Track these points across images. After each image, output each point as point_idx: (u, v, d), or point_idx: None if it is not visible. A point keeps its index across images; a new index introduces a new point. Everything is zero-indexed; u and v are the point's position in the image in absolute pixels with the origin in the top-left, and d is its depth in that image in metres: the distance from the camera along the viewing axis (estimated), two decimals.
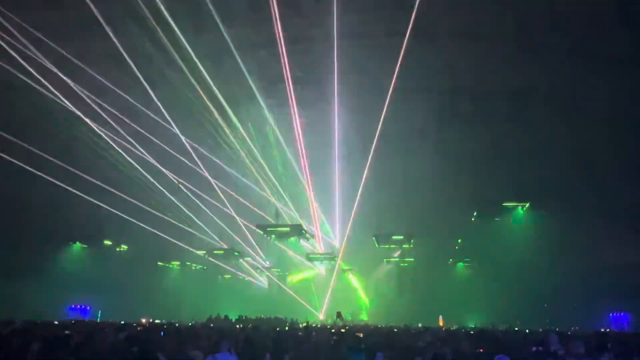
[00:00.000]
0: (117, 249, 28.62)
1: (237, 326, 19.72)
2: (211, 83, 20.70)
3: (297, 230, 28.78)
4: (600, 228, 24.37)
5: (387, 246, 32.57)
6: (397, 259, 36.49)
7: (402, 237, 30.44)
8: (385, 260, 36.64)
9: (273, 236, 29.61)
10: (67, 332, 10.74)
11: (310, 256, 36.64)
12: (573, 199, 24.38)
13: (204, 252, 32.71)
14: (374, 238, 31.33)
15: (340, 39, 17.72)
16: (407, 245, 31.25)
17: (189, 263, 35.20)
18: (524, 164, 23.58)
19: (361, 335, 13.01)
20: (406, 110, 21.90)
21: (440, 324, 33.58)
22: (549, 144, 22.56)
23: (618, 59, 16.96)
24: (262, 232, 29.42)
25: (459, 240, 31.25)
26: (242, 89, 20.76)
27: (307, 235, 29.45)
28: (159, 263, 33.70)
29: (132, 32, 17.23)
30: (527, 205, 24.00)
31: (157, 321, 24.61)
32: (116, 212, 25.09)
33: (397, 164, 25.81)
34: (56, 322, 17.36)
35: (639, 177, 21.35)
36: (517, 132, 21.57)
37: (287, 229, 29.01)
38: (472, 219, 25.82)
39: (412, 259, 35.46)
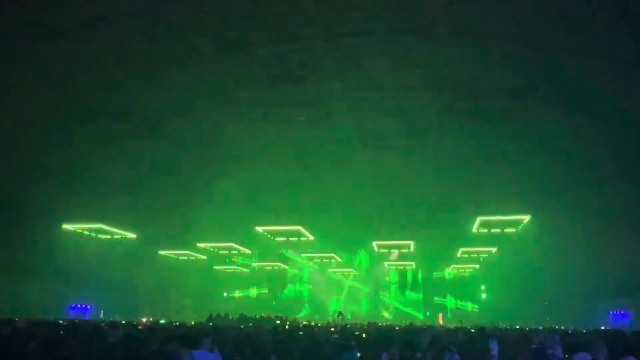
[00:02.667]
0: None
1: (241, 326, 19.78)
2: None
3: (297, 232, 28.91)
4: (601, 227, 24.36)
5: (386, 250, 32.62)
6: (397, 262, 36.46)
7: (402, 242, 30.53)
8: (385, 263, 36.62)
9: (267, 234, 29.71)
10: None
11: (309, 256, 36.64)
12: (574, 198, 24.36)
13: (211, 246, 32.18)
14: (373, 243, 31.36)
15: (339, 36, 17.68)
16: (407, 250, 31.29)
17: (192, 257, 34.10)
18: (524, 164, 23.54)
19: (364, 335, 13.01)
20: (406, 109, 21.91)
21: (440, 322, 33.62)
22: (549, 143, 22.53)
23: (620, 57, 16.92)
24: (264, 233, 29.50)
25: (460, 249, 31.29)
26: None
27: (307, 236, 29.55)
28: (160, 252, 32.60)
29: None
30: (529, 218, 24.10)
31: (162, 321, 24.56)
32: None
33: (397, 163, 25.78)
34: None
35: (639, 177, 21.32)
36: (517, 130, 21.55)
37: (286, 229, 29.09)
38: (475, 230, 25.97)
39: (413, 262, 35.44)
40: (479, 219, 24.46)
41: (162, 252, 32.20)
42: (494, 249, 30.18)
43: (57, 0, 15.21)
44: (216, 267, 37.40)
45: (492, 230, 26.02)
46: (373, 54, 18.62)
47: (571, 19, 15.73)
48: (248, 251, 34.47)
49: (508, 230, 25.91)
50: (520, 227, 25.14)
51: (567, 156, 22.91)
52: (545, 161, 23.17)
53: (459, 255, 32.22)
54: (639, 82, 17.14)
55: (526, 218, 24.01)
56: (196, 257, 33.35)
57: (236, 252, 33.99)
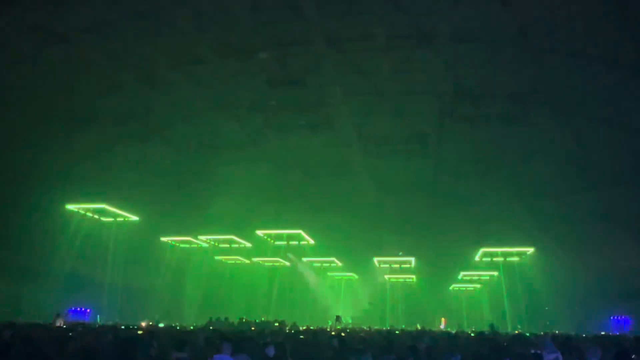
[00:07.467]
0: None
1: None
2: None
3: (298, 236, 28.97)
4: (601, 231, 24.33)
5: (388, 265, 32.59)
6: (397, 275, 36.17)
7: (403, 258, 30.59)
8: (385, 276, 36.38)
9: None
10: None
11: (310, 261, 36.47)
12: (574, 204, 24.35)
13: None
14: (374, 259, 31.32)
15: (340, 41, 17.77)
16: (407, 266, 31.37)
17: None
18: (523, 168, 23.55)
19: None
20: (408, 116, 21.96)
21: (442, 325, 33.40)
22: (549, 148, 22.55)
23: (620, 61, 17.00)
24: (265, 237, 29.53)
25: (460, 272, 31.37)
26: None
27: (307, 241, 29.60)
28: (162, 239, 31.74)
29: None
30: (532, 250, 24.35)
31: (160, 325, 24.47)
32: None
33: (398, 168, 25.78)
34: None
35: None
36: (517, 135, 21.59)
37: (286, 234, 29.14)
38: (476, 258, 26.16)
39: (413, 277, 35.23)
40: (482, 250, 24.68)
41: (164, 239, 31.80)
42: (495, 273, 30.37)
43: (62, 5, 15.33)
44: (217, 258, 36.70)
45: (494, 259, 26.38)
46: (374, 59, 18.70)
47: (572, 24, 15.82)
48: (249, 244, 33.76)
49: (511, 259, 26.22)
50: (523, 257, 25.36)
51: (566, 160, 22.92)
52: (544, 165, 23.19)
53: (460, 277, 32.50)
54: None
55: (530, 250, 24.25)
56: (198, 244, 32.97)
57: (236, 245, 33.46)
